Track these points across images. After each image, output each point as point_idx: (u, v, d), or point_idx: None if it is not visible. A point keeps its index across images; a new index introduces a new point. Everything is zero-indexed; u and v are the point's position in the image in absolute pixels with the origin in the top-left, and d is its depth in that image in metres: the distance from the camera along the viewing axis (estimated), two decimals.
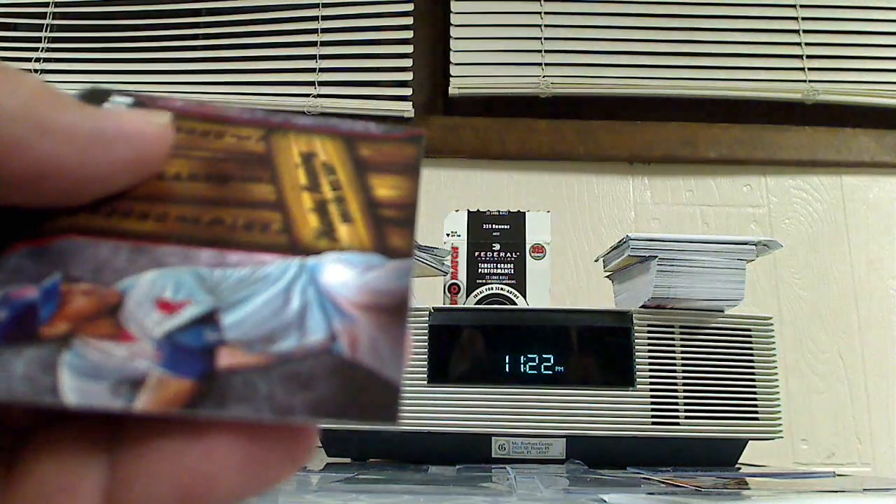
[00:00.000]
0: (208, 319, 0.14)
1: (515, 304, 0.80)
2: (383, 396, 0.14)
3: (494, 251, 0.83)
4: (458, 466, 0.62)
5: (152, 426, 0.13)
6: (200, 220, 0.16)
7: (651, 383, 0.65)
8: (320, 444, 0.67)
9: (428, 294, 0.86)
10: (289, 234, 0.16)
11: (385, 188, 0.17)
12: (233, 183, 0.16)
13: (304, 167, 0.17)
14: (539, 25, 1.29)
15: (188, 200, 0.16)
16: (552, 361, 0.65)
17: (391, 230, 0.16)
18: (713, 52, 1.28)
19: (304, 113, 1.10)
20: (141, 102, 0.17)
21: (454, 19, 1.29)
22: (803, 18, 1.30)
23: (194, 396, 0.13)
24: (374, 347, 0.14)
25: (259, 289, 0.15)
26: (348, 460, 0.67)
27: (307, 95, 1.25)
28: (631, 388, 0.65)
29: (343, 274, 0.15)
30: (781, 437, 0.65)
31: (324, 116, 0.18)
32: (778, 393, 0.66)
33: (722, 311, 0.67)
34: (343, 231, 0.16)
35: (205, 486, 0.13)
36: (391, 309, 0.15)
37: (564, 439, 0.65)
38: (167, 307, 0.14)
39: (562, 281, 1.18)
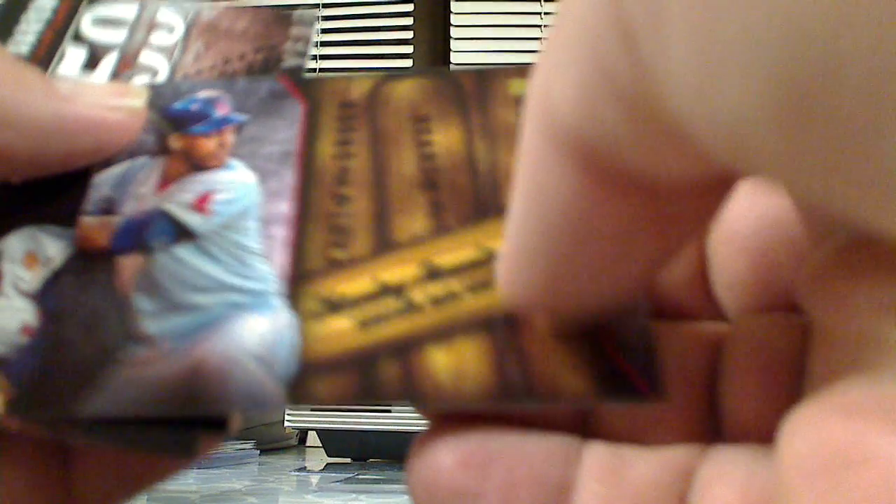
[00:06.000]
0: None
1: None
2: None
3: None
4: None
5: None
6: None
7: None
8: (320, 444, 0.68)
9: None
10: None
11: None
12: None
13: None
14: (539, 26, 1.30)
15: None
16: None
17: None
18: None
19: None
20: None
21: (454, 19, 1.29)
22: None
23: None
24: None
25: None
26: (348, 460, 0.67)
27: None
28: None
29: None
30: None
31: None
32: None
33: None
34: None
35: (147, 467, 0.13)
36: None
37: None
38: None
39: None
